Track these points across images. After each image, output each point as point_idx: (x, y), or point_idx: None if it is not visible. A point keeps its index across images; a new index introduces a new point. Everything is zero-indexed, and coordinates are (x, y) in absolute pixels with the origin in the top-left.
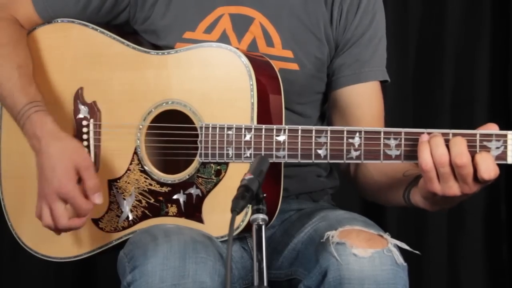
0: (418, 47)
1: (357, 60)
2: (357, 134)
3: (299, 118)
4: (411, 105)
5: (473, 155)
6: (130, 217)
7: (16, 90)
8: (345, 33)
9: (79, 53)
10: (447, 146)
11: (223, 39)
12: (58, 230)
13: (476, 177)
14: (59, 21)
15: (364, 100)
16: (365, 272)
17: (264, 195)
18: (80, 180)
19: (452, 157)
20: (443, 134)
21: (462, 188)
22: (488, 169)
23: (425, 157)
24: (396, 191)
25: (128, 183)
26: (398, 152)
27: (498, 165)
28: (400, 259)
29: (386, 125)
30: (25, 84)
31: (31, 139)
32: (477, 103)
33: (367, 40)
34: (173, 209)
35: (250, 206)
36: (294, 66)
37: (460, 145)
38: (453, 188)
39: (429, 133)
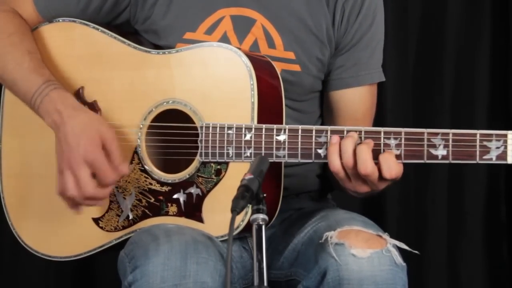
0: (418, 47)
1: (355, 64)
2: (357, 134)
3: (300, 115)
4: (411, 105)
5: (377, 154)
6: (130, 217)
7: (30, 72)
8: (345, 35)
9: (80, 52)
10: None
11: (224, 40)
12: (83, 200)
13: (381, 176)
14: (60, 20)
15: (356, 101)
16: (364, 273)
17: (264, 195)
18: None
19: (358, 166)
20: (443, 134)
21: (371, 186)
22: (389, 169)
23: (333, 159)
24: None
25: (129, 182)
26: (398, 152)
27: (498, 165)
28: (399, 259)
29: (386, 125)
30: (38, 67)
31: (51, 115)
32: (477, 103)
33: (366, 43)
34: (173, 209)
35: (250, 206)
36: (296, 68)
37: (365, 154)
38: (363, 187)
39: (347, 131)
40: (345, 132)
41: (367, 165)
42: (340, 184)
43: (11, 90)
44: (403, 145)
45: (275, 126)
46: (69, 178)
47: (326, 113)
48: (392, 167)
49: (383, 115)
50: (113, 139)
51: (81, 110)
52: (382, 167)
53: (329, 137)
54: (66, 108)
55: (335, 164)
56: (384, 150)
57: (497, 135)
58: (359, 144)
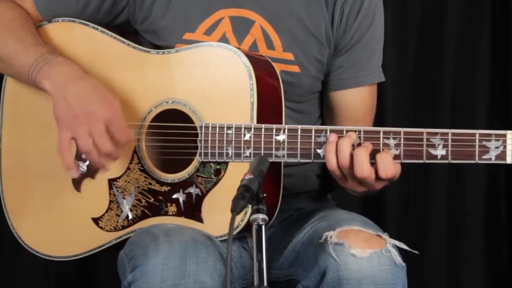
0: (418, 47)
1: (355, 64)
2: (357, 133)
3: (300, 115)
4: (411, 105)
5: (375, 153)
6: (130, 216)
7: (32, 45)
8: (344, 36)
9: (79, 52)
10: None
11: (223, 41)
12: (97, 156)
13: (377, 176)
14: (59, 20)
15: (356, 102)
16: (363, 272)
17: (264, 195)
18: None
19: (354, 168)
20: (442, 134)
21: (367, 186)
22: (385, 169)
23: (329, 158)
24: None
25: (128, 182)
26: (397, 152)
27: (498, 165)
28: (398, 259)
29: (386, 125)
30: (42, 42)
31: (54, 77)
32: (477, 103)
33: (366, 43)
34: (172, 209)
35: (249, 205)
36: (295, 68)
37: (361, 157)
38: (359, 187)
39: (340, 131)
40: (344, 132)
41: (363, 169)
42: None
43: (8, 65)
44: (402, 145)
45: (274, 126)
46: (84, 133)
47: (326, 114)
48: (389, 167)
49: (383, 115)
50: (120, 106)
51: (88, 75)
52: (379, 167)
53: (327, 139)
54: (74, 70)
55: (331, 163)
56: (383, 150)
57: (496, 135)
58: (357, 147)
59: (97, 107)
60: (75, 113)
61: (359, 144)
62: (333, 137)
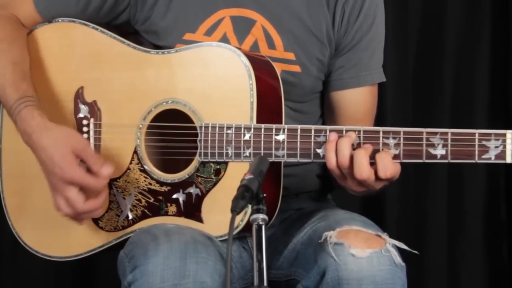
0: (418, 47)
1: (356, 64)
2: (356, 133)
3: (301, 115)
4: (411, 105)
5: (374, 153)
6: (130, 217)
7: (8, 86)
8: (345, 36)
9: (79, 52)
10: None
11: (224, 41)
12: (79, 216)
13: (376, 176)
14: (59, 20)
15: (357, 102)
16: (363, 272)
17: (264, 195)
18: (82, 162)
19: (354, 170)
20: (442, 134)
21: (367, 187)
22: (385, 169)
23: (329, 157)
24: None
25: (128, 182)
26: (397, 151)
27: (497, 164)
28: (398, 259)
29: (386, 125)
30: (17, 80)
31: (23, 136)
32: (477, 103)
33: (367, 44)
34: (172, 209)
35: (249, 205)
36: (296, 68)
37: (361, 158)
38: (358, 187)
39: (346, 131)
40: (344, 132)
41: (362, 170)
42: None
43: None
44: (402, 144)
45: (274, 126)
46: (60, 199)
47: (327, 114)
48: (388, 167)
49: (383, 115)
50: (86, 147)
51: (47, 129)
52: (378, 167)
53: (327, 138)
54: (34, 131)
55: (331, 162)
56: (382, 150)
57: (496, 134)
58: (357, 148)
59: (57, 171)
60: (49, 179)
61: (359, 145)
62: (333, 136)
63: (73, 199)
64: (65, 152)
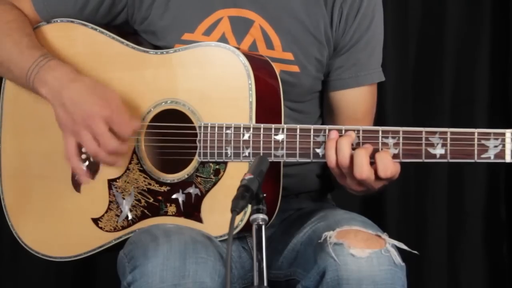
0: (418, 47)
1: (355, 64)
2: (355, 133)
3: (301, 115)
4: (411, 105)
5: (374, 152)
6: (130, 217)
7: (28, 48)
8: (344, 36)
9: (78, 52)
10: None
11: (222, 41)
12: (105, 156)
13: (376, 175)
14: (58, 21)
15: (357, 101)
16: (363, 273)
17: (264, 195)
18: None
19: (354, 169)
20: (441, 133)
21: (366, 186)
22: (385, 169)
23: (329, 155)
24: None
25: (128, 182)
26: (396, 151)
27: (497, 164)
28: (398, 259)
29: (386, 125)
30: (37, 44)
31: (49, 83)
32: (477, 103)
33: (365, 43)
34: (172, 209)
35: (249, 205)
36: (294, 68)
37: (361, 158)
38: (358, 187)
39: (346, 130)
40: (343, 131)
41: (362, 170)
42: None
43: (6, 70)
44: (401, 144)
45: (273, 125)
46: (87, 137)
47: (327, 114)
48: (388, 167)
49: (383, 115)
50: (119, 98)
51: (82, 75)
52: (378, 167)
53: (327, 136)
54: (67, 74)
55: (331, 160)
56: (382, 149)
57: (495, 133)
58: (357, 148)
59: (94, 108)
60: (74, 118)
61: (358, 144)
62: (333, 134)
63: (108, 134)
64: (102, 91)
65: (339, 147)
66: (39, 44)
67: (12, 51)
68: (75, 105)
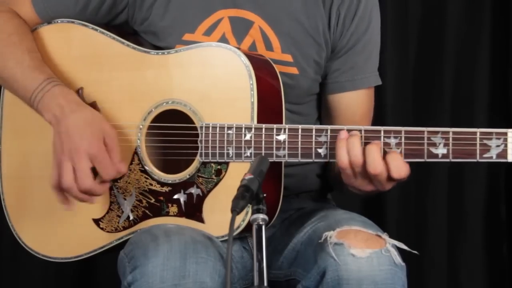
0: (418, 47)
1: (352, 68)
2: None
3: (299, 117)
4: (411, 105)
5: (384, 154)
6: (131, 217)
7: (31, 71)
8: (341, 39)
9: (79, 53)
10: (364, 150)
11: (223, 42)
12: (78, 192)
13: (389, 176)
14: (59, 21)
15: (354, 105)
16: (363, 273)
17: (264, 195)
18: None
19: (367, 165)
20: (443, 133)
21: (376, 186)
22: (398, 169)
23: (341, 155)
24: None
25: (129, 183)
26: (398, 151)
27: (498, 164)
28: (398, 259)
29: (387, 125)
30: (39, 65)
31: (51, 110)
32: (477, 103)
33: (362, 47)
34: (173, 209)
35: (250, 206)
36: (293, 70)
37: (374, 154)
38: (369, 186)
39: (349, 131)
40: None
41: (376, 165)
42: (344, 181)
43: (10, 88)
44: (403, 143)
45: (275, 125)
46: (68, 169)
47: (326, 116)
48: (401, 167)
49: (383, 115)
50: (115, 137)
51: (84, 106)
52: (391, 168)
53: (329, 136)
54: (69, 103)
55: (343, 160)
56: (384, 149)
57: (497, 133)
58: (369, 143)
59: (83, 142)
60: (63, 147)
61: (366, 143)
62: (344, 134)
63: (86, 172)
64: (98, 132)
65: (351, 146)
66: (41, 61)
67: (15, 71)
68: (68, 135)
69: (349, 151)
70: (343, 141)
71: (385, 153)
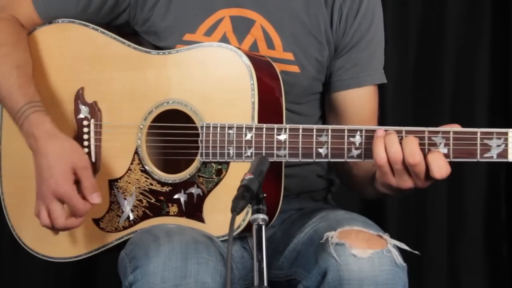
0: (418, 47)
1: (355, 65)
2: (358, 132)
3: (300, 117)
4: (411, 105)
5: (424, 153)
6: (131, 217)
7: (15, 90)
8: (344, 37)
9: (79, 53)
10: (401, 144)
11: (224, 41)
12: (55, 229)
13: (428, 175)
14: (59, 21)
15: (360, 103)
16: (364, 273)
17: (264, 195)
18: (77, 181)
19: (405, 156)
20: (443, 133)
21: (415, 182)
22: (440, 169)
23: (379, 153)
24: (369, 182)
25: (129, 183)
26: None
27: (498, 164)
28: (399, 260)
29: (387, 125)
30: (24, 84)
31: (28, 139)
32: (477, 103)
33: (366, 44)
34: (174, 209)
35: (250, 205)
36: (295, 69)
37: (412, 144)
38: (407, 182)
39: (386, 130)
40: (345, 131)
41: (415, 155)
42: (379, 181)
43: (2, 101)
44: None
45: (275, 125)
46: (42, 208)
47: (332, 116)
48: (443, 166)
49: (383, 115)
50: (86, 168)
51: (56, 138)
52: (432, 167)
53: (330, 136)
54: (41, 136)
55: (381, 157)
56: (431, 150)
57: (497, 133)
58: (406, 136)
59: (51, 182)
60: (38, 185)
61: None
62: (380, 132)
63: (56, 214)
64: (66, 167)
65: (389, 143)
66: (28, 78)
67: (1, 88)
68: (41, 172)
69: (387, 148)
70: (381, 139)
71: (427, 153)
